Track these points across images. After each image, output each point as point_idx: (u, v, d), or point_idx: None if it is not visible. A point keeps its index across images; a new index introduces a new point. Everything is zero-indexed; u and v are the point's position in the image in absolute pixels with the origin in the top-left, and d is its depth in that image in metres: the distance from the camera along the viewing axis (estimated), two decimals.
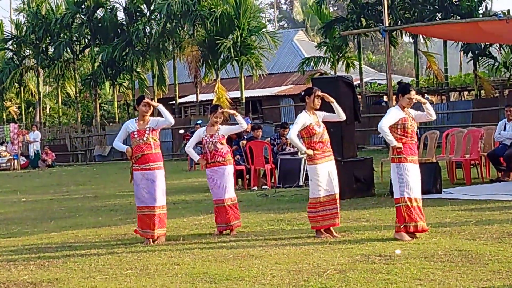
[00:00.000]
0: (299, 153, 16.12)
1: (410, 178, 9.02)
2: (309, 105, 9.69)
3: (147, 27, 38.84)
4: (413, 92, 9.22)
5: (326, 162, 9.55)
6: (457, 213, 10.86)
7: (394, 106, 9.46)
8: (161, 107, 10.10)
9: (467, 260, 7.48)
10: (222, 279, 7.27)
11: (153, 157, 9.88)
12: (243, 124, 10.66)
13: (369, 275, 7.03)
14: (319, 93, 9.69)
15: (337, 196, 9.60)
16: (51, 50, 42.67)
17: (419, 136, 23.71)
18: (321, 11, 35.88)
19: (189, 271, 7.74)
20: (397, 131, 9.17)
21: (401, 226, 8.97)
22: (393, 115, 9.19)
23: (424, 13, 32.34)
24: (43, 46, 42.66)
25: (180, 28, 38.56)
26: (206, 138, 10.51)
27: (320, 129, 9.57)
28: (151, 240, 9.78)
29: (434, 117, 9.44)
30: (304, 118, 9.60)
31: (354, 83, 15.36)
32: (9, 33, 44.93)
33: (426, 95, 38.38)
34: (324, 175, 9.52)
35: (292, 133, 9.62)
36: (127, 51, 38.37)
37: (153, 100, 10.69)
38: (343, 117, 9.92)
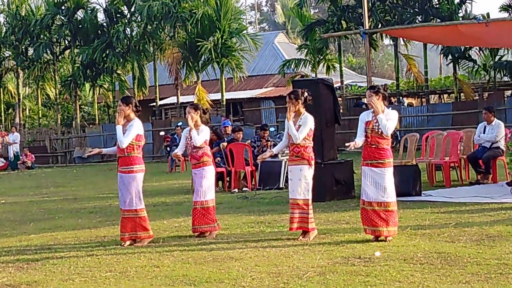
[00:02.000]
0: (279, 155, 16.14)
1: (364, 182, 9.11)
2: None
3: (128, 29, 38.64)
4: (367, 92, 9.18)
5: (291, 166, 9.58)
6: (436, 216, 10.90)
7: None
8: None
9: (446, 262, 7.52)
10: (202, 281, 7.27)
11: (129, 160, 9.76)
12: (196, 141, 10.28)
13: (348, 277, 7.05)
14: (289, 95, 9.57)
15: (299, 202, 9.38)
16: (30, 51, 42.39)
17: (399, 138, 23.99)
18: (302, 14, 35.90)
19: (169, 273, 7.73)
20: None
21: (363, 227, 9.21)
22: (361, 123, 9.23)
23: (404, 16, 32.41)
24: (23, 47, 42.34)
25: (160, 30, 38.43)
26: (187, 139, 10.50)
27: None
28: (126, 242, 9.74)
29: (385, 131, 8.96)
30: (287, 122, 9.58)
31: (335, 85, 15.41)
32: None
33: (403, 99, 38.60)
34: (289, 177, 9.63)
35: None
36: (107, 52, 38.20)
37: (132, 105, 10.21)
38: (294, 139, 9.41)
